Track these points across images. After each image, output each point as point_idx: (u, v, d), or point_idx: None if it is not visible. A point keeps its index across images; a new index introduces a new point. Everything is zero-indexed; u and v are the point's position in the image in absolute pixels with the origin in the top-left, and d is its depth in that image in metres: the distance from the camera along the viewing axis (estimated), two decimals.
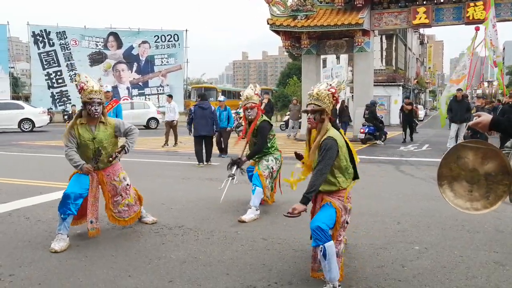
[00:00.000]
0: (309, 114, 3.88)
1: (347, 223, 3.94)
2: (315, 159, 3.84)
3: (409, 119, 18.86)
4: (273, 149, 6.52)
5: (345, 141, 3.92)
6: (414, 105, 34.37)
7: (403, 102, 25.04)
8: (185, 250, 4.76)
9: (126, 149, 5.18)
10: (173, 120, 16.16)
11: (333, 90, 3.84)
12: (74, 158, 4.97)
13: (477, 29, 14.72)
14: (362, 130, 17.33)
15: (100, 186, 5.26)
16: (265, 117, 6.52)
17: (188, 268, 4.23)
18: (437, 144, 17.13)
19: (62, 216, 4.87)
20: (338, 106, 16.56)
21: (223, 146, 13.44)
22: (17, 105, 25.25)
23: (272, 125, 6.58)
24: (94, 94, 4.98)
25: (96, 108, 5.01)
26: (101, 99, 5.06)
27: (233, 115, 24.46)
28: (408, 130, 18.74)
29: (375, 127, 17.42)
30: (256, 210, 6.07)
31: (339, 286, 3.59)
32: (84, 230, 5.35)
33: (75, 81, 5.15)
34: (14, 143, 17.70)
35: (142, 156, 13.08)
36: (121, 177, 5.36)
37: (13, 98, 33.47)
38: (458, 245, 4.86)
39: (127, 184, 5.43)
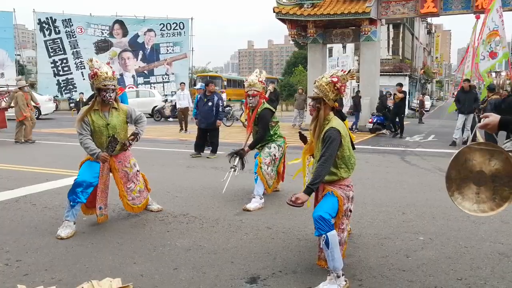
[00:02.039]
0: (311, 101, 3.90)
1: (350, 211, 3.95)
2: (318, 148, 3.84)
3: (398, 110, 16.57)
4: (276, 136, 6.42)
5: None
6: (421, 95, 34.08)
7: (414, 93, 24.56)
8: (190, 238, 4.78)
9: (138, 137, 5.25)
10: (186, 107, 16.54)
11: (335, 80, 3.76)
12: (90, 146, 4.98)
13: (477, 17, 14.59)
14: (370, 120, 17.34)
15: (111, 174, 5.28)
16: (266, 105, 6.41)
17: (192, 256, 4.26)
18: (443, 134, 17.05)
19: (71, 204, 4.89)
20: (341, 97, 16.13)
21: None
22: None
23: (274, 112, 6.47)
24: (109, 80, 4.99)
25: (111, 94, 5.02)
26: (114, 86, 5.08)
27: (238, 105, 24.58)
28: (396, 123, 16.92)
29: (385, 117, 17.39)
30: (260, 199, 6.07)
31: (342, 275, 3.60)
32: (90, 217, 5.39)
33: (86, 65, 5.19)
34: None
35: (148, 145, 13.10)
36: (132, 163, 5.41)
37: None
38: (463, 236, 4.86)
39: (137, 170, 5.48)
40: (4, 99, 14.83)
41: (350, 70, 3.99)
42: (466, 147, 3.17)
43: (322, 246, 3.58)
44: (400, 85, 16.97)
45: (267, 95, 16.60)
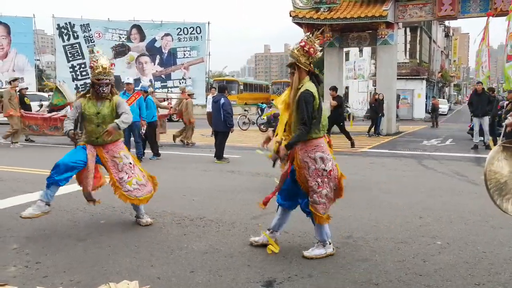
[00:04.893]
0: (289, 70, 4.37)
1: (324, 170, 4.19)
2: (294, 110, 4.19)
3: (336, 119, 13.53)
4: None
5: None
6: (433, 98, 33.22)
7: (431, 97, 23.94)
8: (207, 241, 4.81)
9: (117, 126, 5.11)
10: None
11: (303, 44, 4.17)
12: (66, 126, 5.21)
13: (489, 14, 14.42)
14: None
15: (104, 165, 5.28)
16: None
17: (209, 259, 4.28)
18: (461, 138, 16.87)
19: (46, 183, 5.04)
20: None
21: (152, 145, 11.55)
22: (41, 97, 25.69)
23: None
24: (103, 75, 5.02)
25: (104, 89, 5.08)
26: (109, 80, 5.09)
27: (255, 109, 24.49)
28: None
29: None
30: None
31: (330, 243, 4.31)
32: (108, 219, 5.47)
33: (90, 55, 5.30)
34: None
35: (164, 149, 13.21)
36: (122, 154, 5.26)
37: (38, 90, 34.04)
38: (481, 241, 4.80)
39: (130, 163, 5.30)
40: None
41: (313, 31, 4.36)
42: (497, 146, 3.13)
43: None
44: (334, 89, 14.10)
45: None
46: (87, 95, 5.24)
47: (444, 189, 7.53)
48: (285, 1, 24.08)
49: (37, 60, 39.60)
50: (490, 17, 14.21)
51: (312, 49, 4.17)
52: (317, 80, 4.32)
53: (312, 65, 4.28)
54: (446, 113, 41.30)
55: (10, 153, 12.30)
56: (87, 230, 5.19)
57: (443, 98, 52.64)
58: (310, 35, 4.25)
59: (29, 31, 36.35)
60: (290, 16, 18.74)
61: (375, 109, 18.50)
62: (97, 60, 5.06)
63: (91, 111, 5.15)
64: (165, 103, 18.44)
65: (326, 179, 4.21)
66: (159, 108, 13.79)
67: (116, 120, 5.13)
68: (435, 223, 5.47)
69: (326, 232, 4.35)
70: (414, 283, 3.74)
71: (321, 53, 4.41)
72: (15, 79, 14.69)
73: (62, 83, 18.40)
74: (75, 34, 37.27)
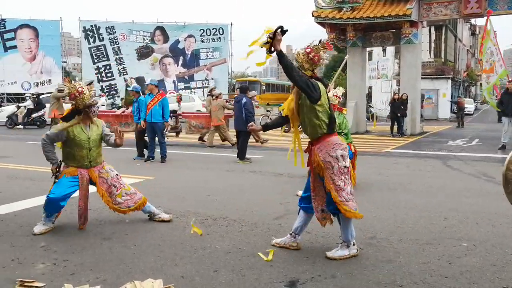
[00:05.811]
0: None
1: (345, 167, 4.22)
2: (302, 109, 4.27)
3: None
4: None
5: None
6: (459, 97, 32.59)
7: (456, 97, 23.56)
8: (230, 240, 4.83)
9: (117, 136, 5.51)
10: None
11: (308, 50, 4.18)
12: (51, 157, 5.27)
13: (489, 12, 14.22)
14: None
15: (95, 184, 5.38)
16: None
17: (232, 259, 4.30)
18: (488, 138, 16.55)
19: (46, 215, 5.15)
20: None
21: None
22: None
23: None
24: (92, 97, 5.35)
25: (95, 108, 5.36)
26: (96, 100, 5.46)
27: (277, 109, 24.41)
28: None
29: None
30: None
31: (353, 244, 4.27)
32: (133, 219, 5.54)
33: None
34: None
35: (188, 149, 13.32)
36: (107, 168, 5.44)
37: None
38: (509, 243, 4.71)
39: (116, 174, 5.48)
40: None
41: (320, 39, 4.34)
42: None
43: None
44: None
45: None
46: (76, 121, 5.25)
47: (470, 190, 7.41)
48: (307, 0, 24.07)
49: (64, 62, 40.31)
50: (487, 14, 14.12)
51: (316, 57, 4.19)
52: (323, 84, 4.31)
53: (315, 72, 4.29)
54: (472, 112, 40.60)
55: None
56: (112, 229, 5.27)
57: (469, 98, 51.73)
58: (317, 44, 4.25)
59: (56, 34, 37.11)
60: (313, 16, 18.69)
61: (393, 109, 18.33)
62: (81, 85, 5.26)
63: (81, 137, 5.22)
64: (229, 104, 18.45)
65: (347, 176, 4.25)
66: (225, 109, 14.36)
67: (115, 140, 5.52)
68: (460, 225, 5.39)
69: (352, 232, 4.35)
70: (439, 285, 3.70)
71: (326, 61, 4.39)
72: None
73: (131, 81, 18.83)
74: (101, 36, 37.89)
